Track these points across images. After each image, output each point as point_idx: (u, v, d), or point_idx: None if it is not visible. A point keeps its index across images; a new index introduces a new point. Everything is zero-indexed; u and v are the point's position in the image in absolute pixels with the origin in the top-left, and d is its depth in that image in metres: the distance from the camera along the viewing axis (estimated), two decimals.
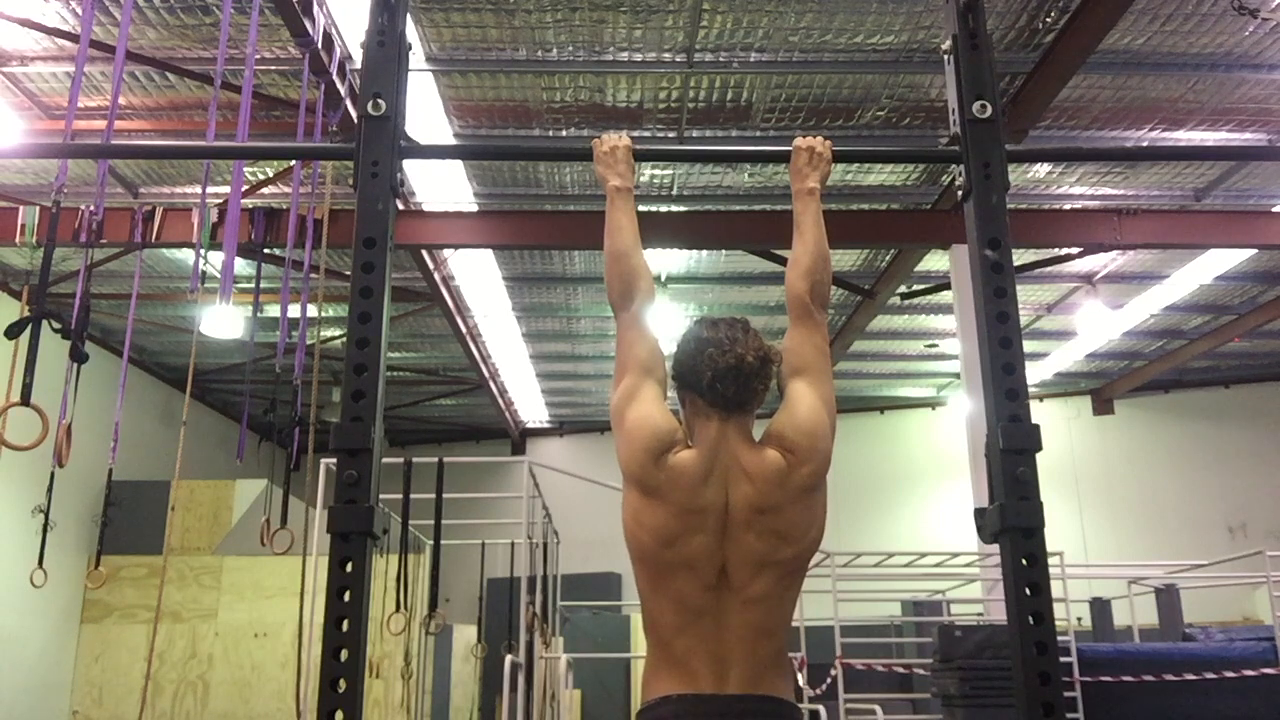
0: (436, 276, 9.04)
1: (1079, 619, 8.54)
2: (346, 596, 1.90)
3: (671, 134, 7.13)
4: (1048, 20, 5.99)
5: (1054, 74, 6.17)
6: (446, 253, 8.84)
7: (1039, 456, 2.03)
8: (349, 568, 1.92)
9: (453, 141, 7.18)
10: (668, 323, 10.53)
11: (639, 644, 10.47)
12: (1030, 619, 1.94)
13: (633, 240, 2.20)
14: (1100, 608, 9.61)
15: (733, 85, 6.66)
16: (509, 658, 6.80)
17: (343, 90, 6.04)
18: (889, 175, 7.90)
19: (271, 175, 7.43)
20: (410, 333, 11.08)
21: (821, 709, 6.93)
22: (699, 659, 1.95)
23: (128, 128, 6.78)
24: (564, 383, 13.12)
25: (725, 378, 2.00)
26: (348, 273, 2.33)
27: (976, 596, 8.91)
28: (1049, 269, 8.95)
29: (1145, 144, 7.36)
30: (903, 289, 9.59)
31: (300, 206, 6.02)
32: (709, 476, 1.99)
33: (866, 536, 11.89)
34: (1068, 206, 8.26)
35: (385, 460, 2.11)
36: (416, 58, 6.21)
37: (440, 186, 7.78)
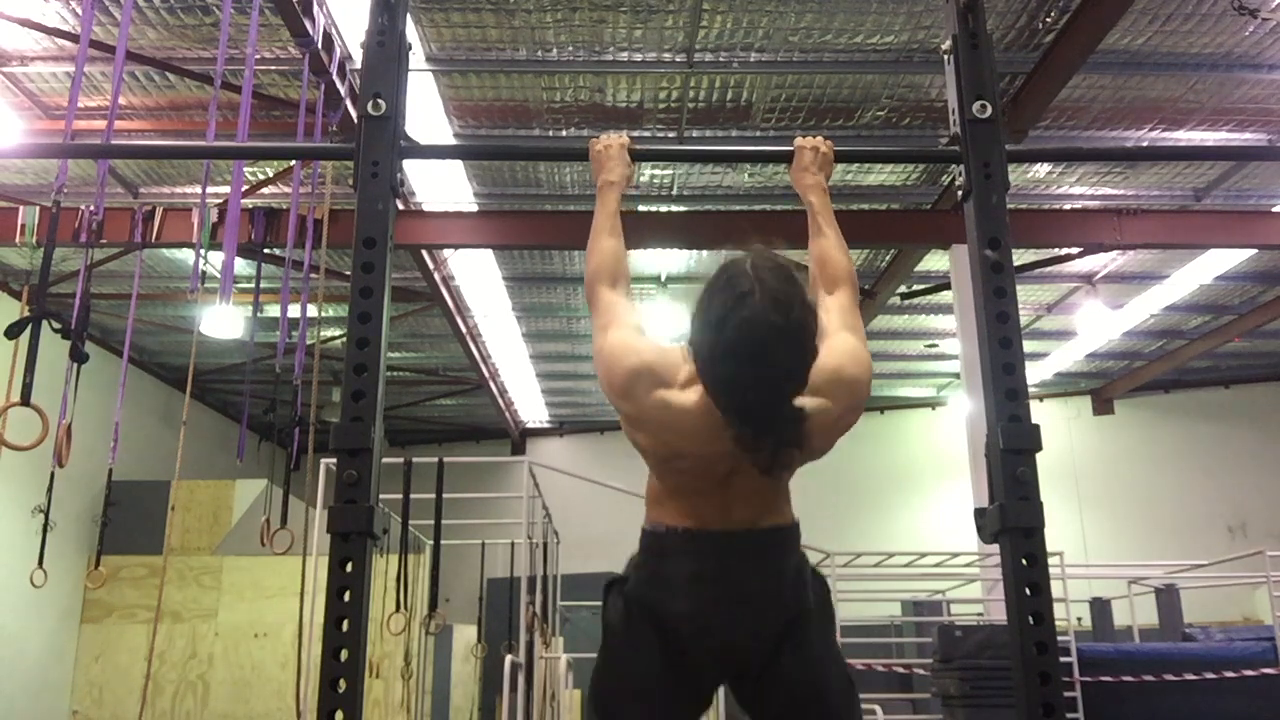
0: (436, 276, 9.04)
1: (1079, 619, 8.54)
2: (346, 596, 1.90)
3: (671, 134, 7.13)
4: (1048, 20, 5.99)
5: (1054, 74, 6.17)
6: (446, 253, 8.84)
7: (1039, 456, 2.03)
8: (349, 568, 1.92)
9: (453, 141, 7.18)
10: (668, 323, 10.52)
11: None
12: (1030, 619, 1.94)
13: (602, 230, 2.22)
14: (1100, 608, 9.61)
15: (733, 85, 6.66)
16: (509, 658, 6.80)
17: (343, 90, 6.04)
18: (889, 175, 7.89)
19: (271, 175, 7.43)
20: (410, 333, 11.08)
21: None
22: (704, 507, 1.95)
23: (128, 128, 6.77)
24: (564, 383, 13.11)
25: (746, 436, 1.76)
26: (348, 273, 2.33)
27: (976, 596, 8.90)
28: (1049, 269, 8.94)
29: (1145, 144, 7.36)
30: (903, 289, 9.59)
31: (300, 206, 6.03)
32: (715, 435, 1.81)
33: (866, 536, 11.88)
34: (1068, 206, 8.26)
35: (385, 460, 2.11)
36: (416, 58, 6.21)
37: (440, 186, 7.78)
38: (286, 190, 7.21)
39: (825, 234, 2.25)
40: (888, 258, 9.17)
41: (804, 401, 1.79)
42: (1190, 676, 6.56)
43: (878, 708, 7.05)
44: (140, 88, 6.55)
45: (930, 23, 6.02)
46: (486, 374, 12.00)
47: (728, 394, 1.76)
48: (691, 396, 1.84)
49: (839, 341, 2.02)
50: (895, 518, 13.36)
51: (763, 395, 1.74)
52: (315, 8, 5.49)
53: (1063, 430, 13.26)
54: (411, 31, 5.93)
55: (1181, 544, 11.54)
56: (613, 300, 2.11)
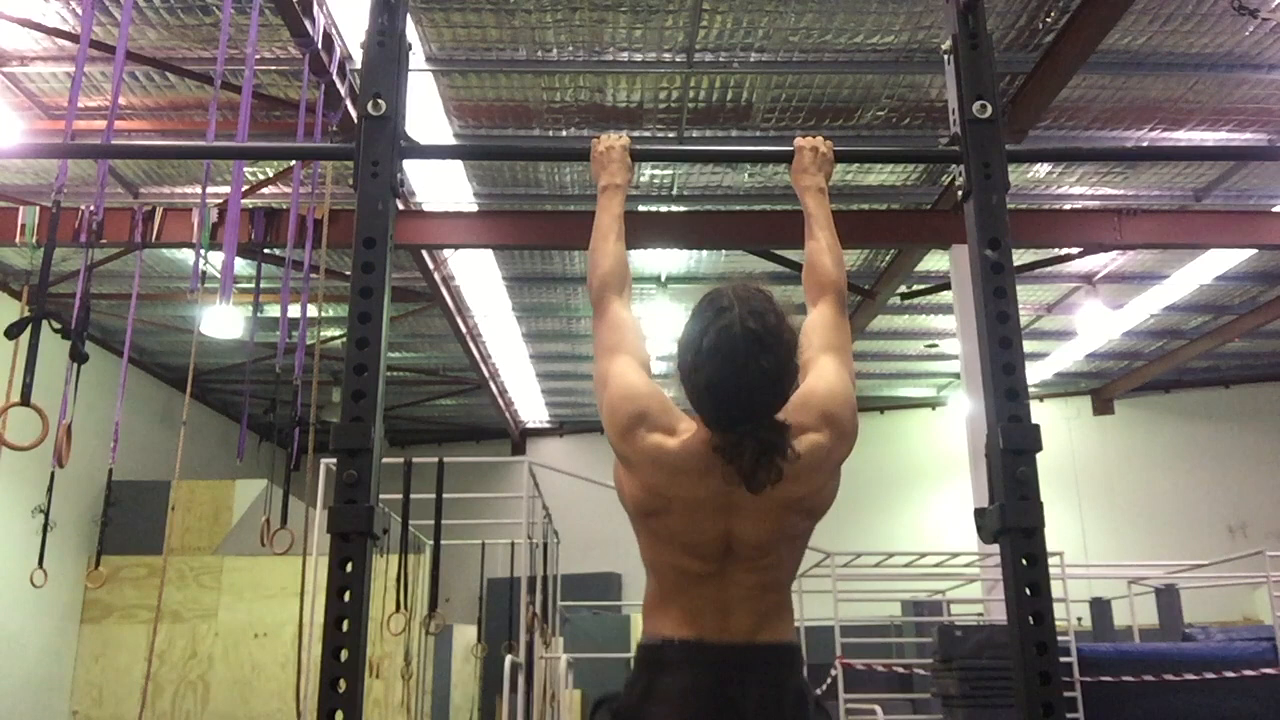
0: (436, 276, 9.04)
1: (1079, 619, 8.54)
2: (346, 596, 1.90)
3: (671, 134, 7.13)
4: (1048, 20, 5.99)
5: (1054, 74, 6.17)
6: (446, 253, 8.84)
7: (1039, 456, 2.03)
8: (349, 568, 1.92)
9: (453, 141, 7.18)
10: (668, 323, 10.52)
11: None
12: (1030, 619, 1.94)
13: (607, 235, 2.20)
14: (1100, 608, 9.61)
15: (733, 85, 6.66)
16: (509, 658, 6.80)
17: (343, 90, 6.04)
18: (889, 175, 7.89)
19: (271, 175, 7.43)
20: (410, 333, 11.08)
21: None
22: (702, 610, 1.90)
23: (128, 128, 6.78)
24: (564, 383, 13.12)
25: (729, 441, 1.79)
26: (348, 273, 2.34)
27: (976, 596, 8.90)
28: (1049, 269, 8.95)
29: (1145, 144, 7.37)
30: (903, 289, 9.59)
31: (300, 206, 6.02)
32: (705, 472, 1.85)
33: (866, 536, 11.87)
34: (1068, 206, 8.26)
35: (385, 460, 2.11)
36: (416, 58, 6.21)
37: (440, 186, 7.78)
38: (286, 190, 7.21)
39: (817, 239, 2.22)
40: (888, 258, 9.16)
41: (795, 437, 1.82)
42: (1190, 676, 6.55)
43: (878, 708, 7.05)
44: (140, 88, 6.55)
45: (930, 23, 6.02)
46: (486, 374, 12.01)
47: (709, 397, 1.80)
48: (684, 439, 1.87)
49: (821, 370, 1.99)
50: (895, 518, 13.36)
51: (742, 397, 1.78)
52: (315, 8, 5.49)
53: (1063, 430, 13.26)
54: (411, 31, 5.93)
55: (1181, 544, 11.54)
56: (621, 318, 2.09)
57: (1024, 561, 1.98)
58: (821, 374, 1.98)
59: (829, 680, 7.20)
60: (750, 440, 1.76)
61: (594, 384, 2.08)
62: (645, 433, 1.88)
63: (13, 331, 3.75)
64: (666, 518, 1.89)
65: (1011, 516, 1.98)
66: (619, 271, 2.16)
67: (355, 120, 2.56)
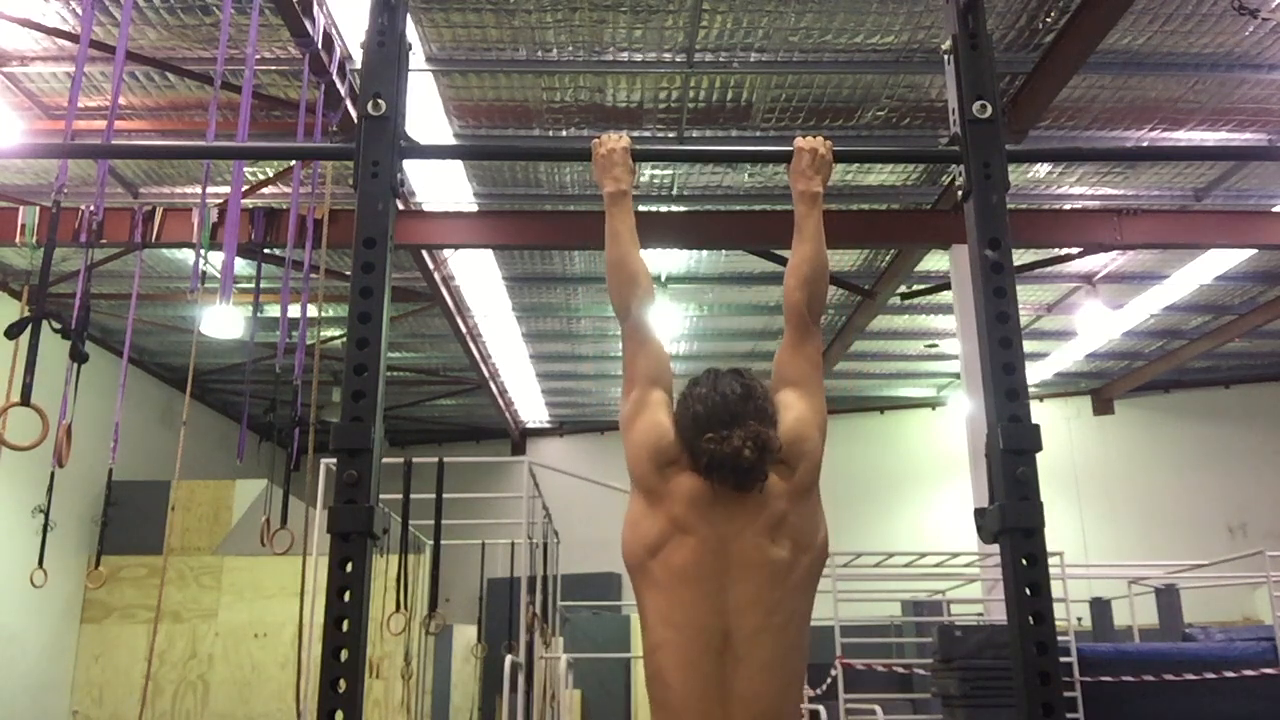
0: (436, 276, 9.04)
1: (1079, 619, 8.53)
2: (346, 596, 1.90)
3: (671, 134, 7.13)
4: (1048, 20, 5.99)
5: (1054, 74, 6.17)
6: (446, 253, 8.84)
7: (1039, 456, 2.03)
8: (349, 568, 1.92)
9: (453, 141, 7.18)
10: (668, 323, 10.53)
11: (639, 644, 10.46)
12: (1030, 619, 1.94)
13: (627, 247, 2.20)
14: (1100, 608, 9.61)
15: (733, 85, 6.66)
16: (509, 658, 6.80)
17: (343, 90, 6.04)
18: (889, 175, 7.89)
19: (271, 175, 7.43)
20: (410, 333, 11.08)
21: (821, 709, 6.93)
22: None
23: (128, 128, 6.78)
24: (564, 383, 13.12)
25: (723, 468, 1.96)
26: (348, 273, 2.34)
27: (976, 596, 8.90)
28: (1049, 269, 8.95)
29: (1145, 144, 7.37)
30: (903, 289, 9.59)
31: (300, 206, 6.02)
32: (710, 519, 1.97)
33: (866, 536, 11.88)
34: (1068, 206, 8.26)
35: (385, 460, 2.11)
36: (416, 58, 6.21)
37: (440, 186, 7.78)
38: (286, 190, 7.21)
39: (797, 252, 2.22)
40: (888, 258, 9.16)
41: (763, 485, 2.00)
42: (1190, 676, 6.55)
43: (878, 708, 7.05)
44: (140, 88, 6.55)
45: (930, 23, 6.02)
46: (486, 374, 12.00)
47: (703, 409, 2.01)
48: (704, 486, 2.01)
49: (783, 403, 2.09)
50: (895, 518, 13.36)
51: (729, 405, 2.01)
52: (315, 8, 5.49)
53: (1063, 430, 13.26)
54: (411, 31, 5.93)
55: (1181, 544, 11.54)
56: (658, 346, 2.17)
57: (1024, 561, 1.98)
58: (785, 406, 2.10)
59: (829, 680, 7.20)
60: (739, 431, 1.94)
61: (623, 405, 2.12)
62: (678, 470, 2.01)
63: (13, 331, 3.76)
64: (675, 555, 1.96)
65: (1011, 516, 1.98)
66: (650, 286, 2.22)
67: (355, 120, 2.56)
